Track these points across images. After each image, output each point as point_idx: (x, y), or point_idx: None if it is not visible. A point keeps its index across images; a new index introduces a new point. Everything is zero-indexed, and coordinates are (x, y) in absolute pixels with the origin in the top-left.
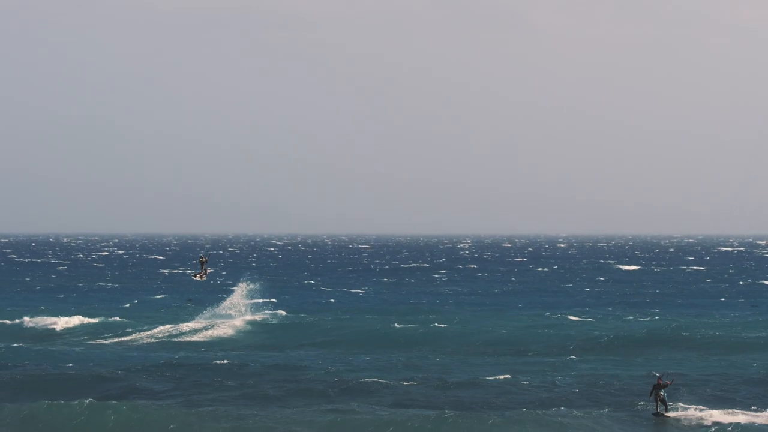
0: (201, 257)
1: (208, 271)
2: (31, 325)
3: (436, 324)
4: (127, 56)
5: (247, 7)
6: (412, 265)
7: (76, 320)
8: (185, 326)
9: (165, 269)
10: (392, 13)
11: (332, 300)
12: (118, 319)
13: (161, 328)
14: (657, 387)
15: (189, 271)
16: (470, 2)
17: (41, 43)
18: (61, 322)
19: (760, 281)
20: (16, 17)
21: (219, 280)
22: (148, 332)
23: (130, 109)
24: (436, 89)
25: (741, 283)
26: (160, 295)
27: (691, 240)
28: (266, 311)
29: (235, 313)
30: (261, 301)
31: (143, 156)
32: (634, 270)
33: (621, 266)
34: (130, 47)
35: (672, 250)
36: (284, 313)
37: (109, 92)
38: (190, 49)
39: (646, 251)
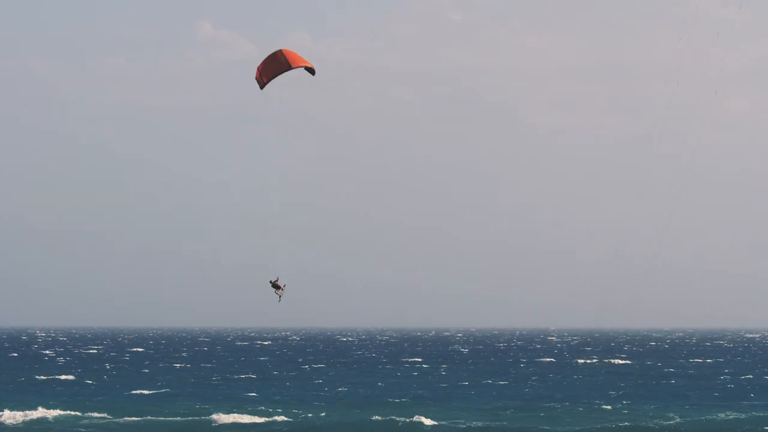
0: (272, 281)
1: (283, 286)
2: (30, 416)
3: (439, 420)
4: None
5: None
6: (409, 359)
7: (67, 412)
8: (179, 419)
9: (160, 363)
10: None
11: (329, 395)
12: (106, 416)
13: (151, 418)
14: None
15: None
16: None
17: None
18: (54, 414)
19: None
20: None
21: (215, 377)
22: (138, 424)
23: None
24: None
25: (748, 377)
26: (149, 388)
27: (680, 333)
28: (260, 407)
29: (229, 408)
30: (257, 395)
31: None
32: (630, 364)
33: (616, 360)
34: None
35: (667, 344)
36: (280, 409)
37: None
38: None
39: (640, 345)
